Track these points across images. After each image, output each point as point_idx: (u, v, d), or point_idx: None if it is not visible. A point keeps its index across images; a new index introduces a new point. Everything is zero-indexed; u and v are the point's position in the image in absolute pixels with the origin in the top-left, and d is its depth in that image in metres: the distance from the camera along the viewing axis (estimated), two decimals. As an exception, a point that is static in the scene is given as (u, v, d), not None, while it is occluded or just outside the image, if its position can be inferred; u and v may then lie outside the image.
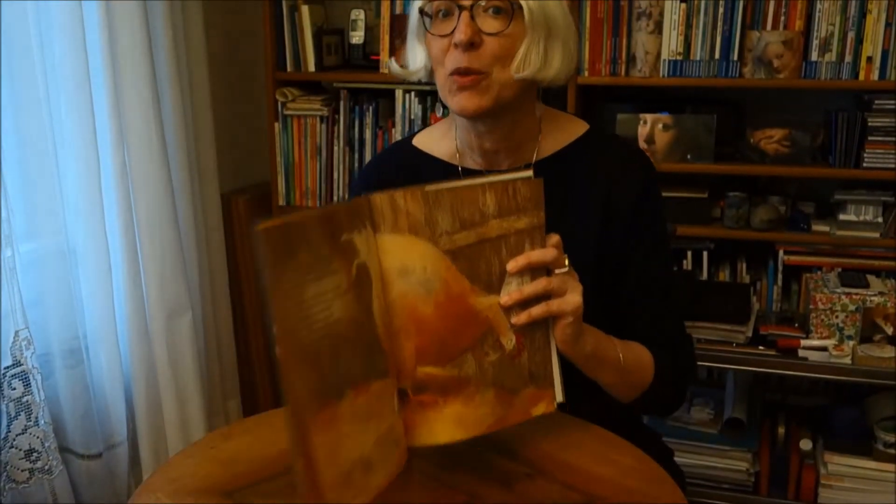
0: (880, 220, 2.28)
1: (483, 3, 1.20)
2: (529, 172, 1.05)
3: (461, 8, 1.20)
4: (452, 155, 1.37)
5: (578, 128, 1.37)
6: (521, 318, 1.04)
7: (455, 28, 1.20)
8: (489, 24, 1.20)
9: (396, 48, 2.47)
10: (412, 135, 1.45)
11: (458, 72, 1.21)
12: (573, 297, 1.07)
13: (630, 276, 1.32)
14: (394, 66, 1.35)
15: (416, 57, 1.29)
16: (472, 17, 1.19)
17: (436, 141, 1.40)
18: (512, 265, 1.02)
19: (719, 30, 2.25)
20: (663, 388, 1.28)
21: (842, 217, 2.31)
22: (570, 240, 1.11)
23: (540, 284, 1.04)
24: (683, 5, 2.26)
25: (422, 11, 1.24)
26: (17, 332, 1.86)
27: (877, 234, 2.29)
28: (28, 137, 1.92)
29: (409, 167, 1.39)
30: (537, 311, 1.04)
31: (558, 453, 1.13)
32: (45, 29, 1.93)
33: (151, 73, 2.17)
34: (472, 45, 1.19)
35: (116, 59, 2.10)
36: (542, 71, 1.23)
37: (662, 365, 1.27)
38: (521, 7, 1.20)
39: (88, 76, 2.00)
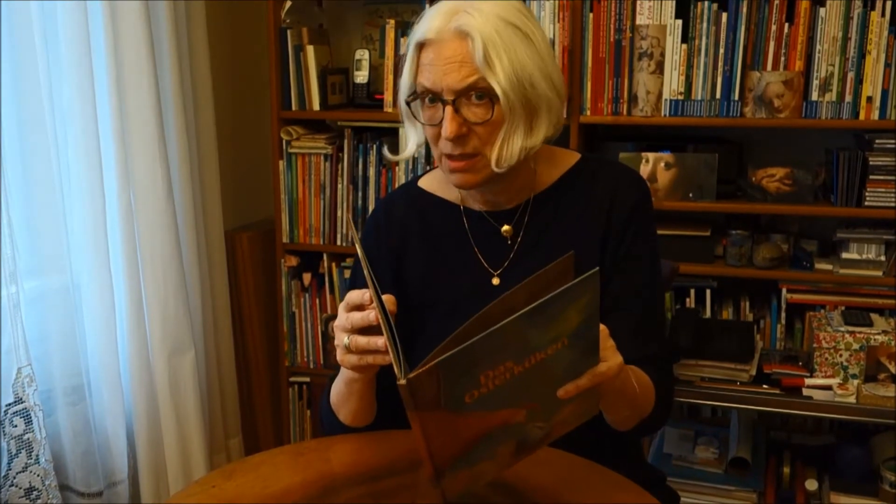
0: (883, 258, 2.28)
1: (464, 97, 1.23)
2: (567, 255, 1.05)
3: (444, 102, 1.23)
4: (456, 197, 1.42)
5: (571, 158, 1.41)
6: (569, 390, 1.00)
7: (442, 120, 1.24)
8: (474, 112, 1.24)
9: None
10: (417, 177, 1.49)
11: (451, 157, 1.26)
12: (615, 361, 1.05)
13: (613, 286, 1.33)
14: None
15: (410, 141, 1.34)
16: (457, 110, 1.23)
17: (441, 183, 1.44)
18: (562, 393, 1.00)
19: (720, 70, 2.28)
20: (658, 411, 1.28)
21: (844, 255, 2.31)
22: (575, 264, 1.12)
23: (592, 380, 1.02)
24: (684, 45, 2.29)
25: (408, 103, 1.29)
26: (19, 369, 1.86)
27: (879, 273, 2.28)
28: (35, 175, 1.94)
29: (416, 209, 1.43)
30: (584, 382, 1.01)
31: (561, 492, 1.13)
32: (54, 67, 1.95)
33: (158, 111, 2.19)
34: (459, 138, 1.23)
35: (123, 98, 2.12)
36: (528, 144, 1.26)
37: (658, 389, 1.27)
38: (497, 97, 1.22)
39: (96, 115, 2.03)
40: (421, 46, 1.25)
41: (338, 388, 1.30)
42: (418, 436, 0.94)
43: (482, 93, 1.22)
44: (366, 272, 1.08)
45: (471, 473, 1.01)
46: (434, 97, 1.24)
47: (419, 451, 0.95)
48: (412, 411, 0.91)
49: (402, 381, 0.89)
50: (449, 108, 1.22)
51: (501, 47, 1.21)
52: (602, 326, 1.04)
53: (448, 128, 1.22)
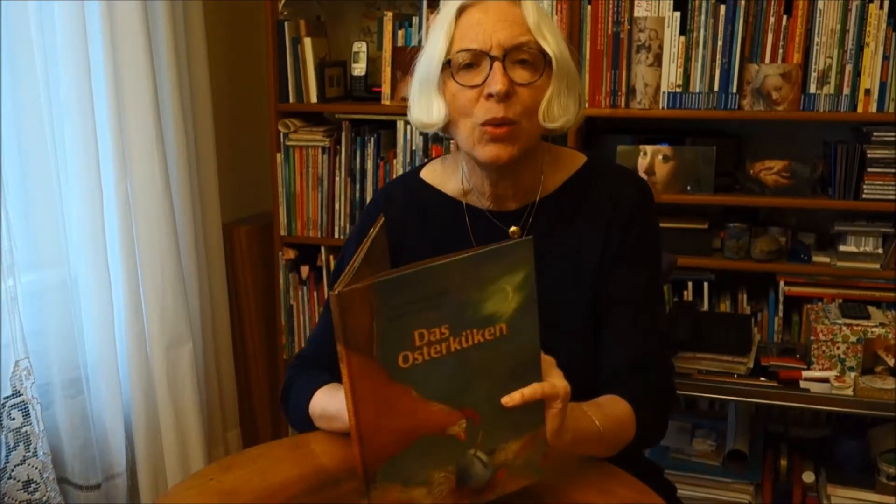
0: (880, 251, 2.28)
1: (514, 55, 1.22)
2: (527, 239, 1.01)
3: (493, 59, 1.22)
4: (459, 193, 1.38)
5: (577, 160, 1.39)
6: (514, 398, 0.99)
7: (487, 79, 1.22)
8: (520, 74, 1.23)
9: (398, 81, 2.49)
10: (419, 167, 1.46)
11: (493, 122, 1.23)
12: (561, 381, 1.03)
13: (612, 287, 1.32)
14: (414, 115, 1.33)
15: (434, 109, 1.28)
16: (504, 68, 1.22)
17: (443, 177, 1.41)
18: (507, 399, 0.99)
19: (718, 62, 2.27)
20: (645, 431, 1.25)
21: (842, 248, 2.31)
22: (575, 271, 1.10)
23: (538, 390, 1.00)
24: (682, 38, 2.28)
25: (447, 63, 1.25)
26: (17, 363, 1.86)
27: (877, 266, 2.29)
28: (32, 168, 1.94)
29: (417, 200, 1.41)
30: (529, 392, 1.00)
31: (558, 485, 1.13)
32: (51, 58, 1.95)
33: (155, 104, 2.18)
34: (507, 96, 1.21)
35: (121, 91, 2.12)
36: (564, 120, 1.27)
37: (643, 412, 1.24)
38: (551, 58, 1.23)
39: (93, 108, 2.02)
40: (462, 11, 1.25)
41: (324, 404, 1.27)
42: (347, 390, 0.91)
43: (531, 55, 1.23)
44: (370, 240, 1.08)
45: (403, 495, 0.97)
46: (478, 56, 1.23)
47: (350, 430, 0.93)
48: (342, 345, 0.89)
49: (334, 292, 0.88)
50: (497, 64, 1.21)
51: (545, 18, 1.25)
52: (547, 357, 1.03)
53: (499, 81, 1.20)
